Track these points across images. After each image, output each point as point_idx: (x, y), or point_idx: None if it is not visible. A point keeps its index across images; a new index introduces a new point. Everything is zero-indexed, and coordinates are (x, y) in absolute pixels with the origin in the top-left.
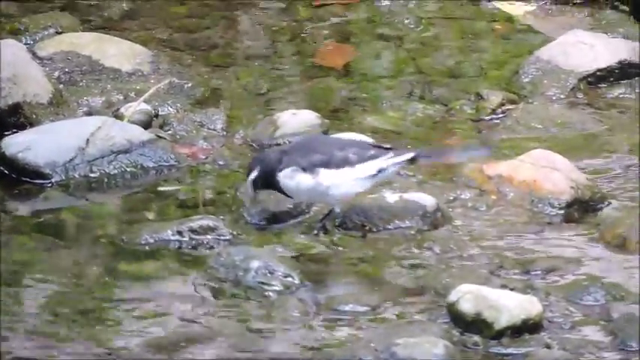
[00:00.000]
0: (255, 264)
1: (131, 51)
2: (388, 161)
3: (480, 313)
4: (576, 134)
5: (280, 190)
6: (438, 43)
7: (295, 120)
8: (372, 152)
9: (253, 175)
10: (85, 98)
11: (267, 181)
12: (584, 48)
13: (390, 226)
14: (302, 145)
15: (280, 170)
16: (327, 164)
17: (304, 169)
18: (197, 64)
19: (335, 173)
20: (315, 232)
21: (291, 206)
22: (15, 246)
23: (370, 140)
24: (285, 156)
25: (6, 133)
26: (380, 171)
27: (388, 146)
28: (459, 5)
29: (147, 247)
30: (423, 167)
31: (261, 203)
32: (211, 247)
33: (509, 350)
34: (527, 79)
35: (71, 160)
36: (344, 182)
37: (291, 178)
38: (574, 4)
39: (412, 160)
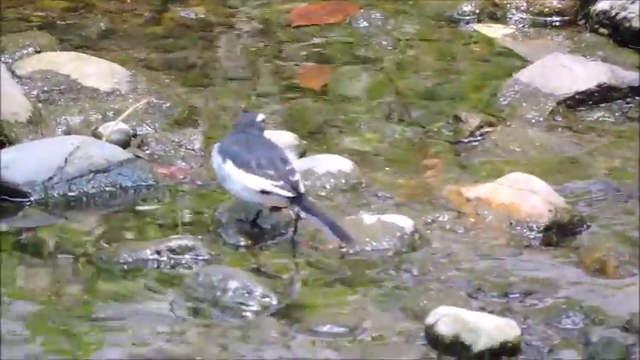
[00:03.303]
0: (233, 284)
1: (109, 70)
2: (272, 187)
3: (458, 335)
4: (555, 157)
5: None
6: (416, 65)
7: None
8: (272, 173)
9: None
10: (63, 117)
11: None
12: (564, 71)
13: (367, 248)
14: (244, 138)
15: (215, 145)
16: (235, 158)
17: (220, 153)
18: (175, 84)
19: (233, 169)
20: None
21: (269, 227)
22: None
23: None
24: (228, 138)
25: None
26: (264, 192)
27: (295, 179)
28: (438, 27)
29: (125, 267)
30: (401, 189)
31: (240, 224)
32: (189, 267)
33: None
34: (505, 102)
35: (50, 178)
36: (236, 182)
37: (213, 155)
38: (553, 26)
39: (292, 200)
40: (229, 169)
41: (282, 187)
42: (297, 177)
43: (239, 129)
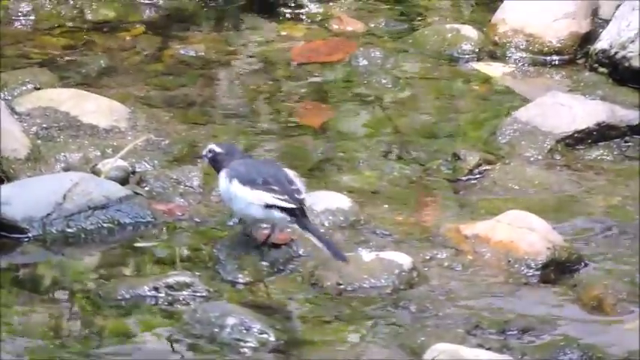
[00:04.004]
0: (230, 320)
1: (109, 107)
2: (274, 200)
3: None
4: (554, 195)
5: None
6: (415, 103)
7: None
8: (277, 188)
9: (215, 147)
10: (62, 154)
11: (216, 164)
12: (563, 109)
13: (365, 285)
14: (250, 161)
15: (224, 167)
16: (241, 177)
17: (227, 177)
18: (174, 121)
19: (239, 188)
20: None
21: (268, 264)
22: None
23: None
24: (234, 160)
25: None
26: (267, 206)
27: (299, 197)
28: (437, 66)
29: (123, 303)
30: (399, 226)
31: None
32: (187, 304)
33: None
34: (504, 140)
35: (48, 215)
36: (241, 200)
37: (219, 180)
38: (552, 65)
39: (292, 214)
40: (235, 188)
41: (285, 201)
42: (302, 196)
43: (236, 156)
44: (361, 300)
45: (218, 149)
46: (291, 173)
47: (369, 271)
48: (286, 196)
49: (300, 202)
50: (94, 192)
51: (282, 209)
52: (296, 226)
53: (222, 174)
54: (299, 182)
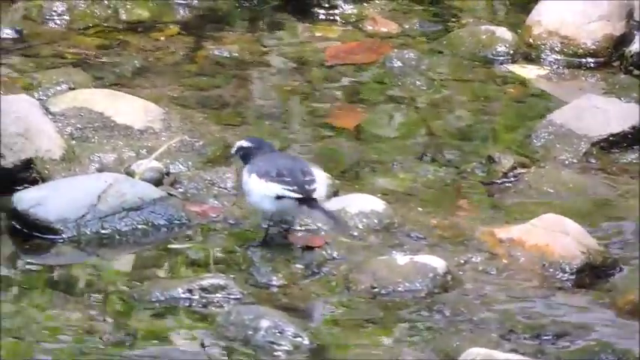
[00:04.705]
0: (264, 323)
1: (143, 108)
2: (283, 191)
3: None
4: (588, 199)
5: None
6: (450, 105)
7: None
8: (289, 180)
9: (244, 142)
10: (96, 155)
11: (245, 159)
12: (597, 113)
13: (400, 288)
14: (269, 155)
15: (249, 163)
16: (258, 171)
17: (248, 171)
18: (208, 122)
19: (255, 181)
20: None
21: (302, 266)
22: (26, 301)
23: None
24: (259, 155)
25: (18, 188)
26: (278, 197)
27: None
28: (472, 68)
29: (157, 305)
30: (433, 229)
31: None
32: (221, 306)
33: None
34: (539, 143)
35: (83, 216)
36: (256, 192)
37: (244, 172)
38: (587, 68)
39: (300, 201)
40: (252, 181)
41: (293, 191)
42: (313, 186)
43: (266, 150)
44: (395, 303)
45: (246, 144)
46: (310, 166)
47: (404, 275)
48: (295, 187)
49: (309, 191)
50: (128, 193)
51: (291, 199)
52: (305, 208)
53: (245, 169)
54: (316, 174)
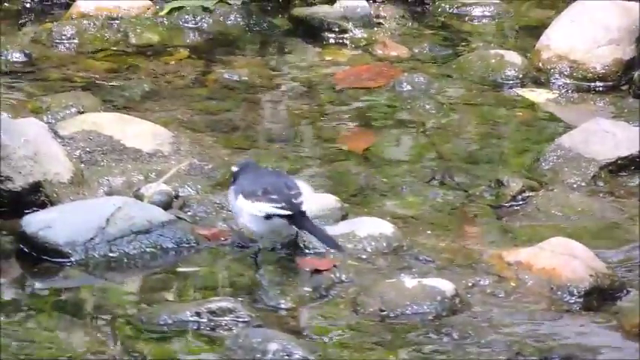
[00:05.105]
0: (273, 346)
1: (152, 132)
2: (273, 209)
3: None
4: (597, 223)
5: None
6: (459, 129)
7: (314, 203)
8: (276, 197)
9: (233, 168)
10: (105, 178)
11: (233, 180)
12: (606, 136)
13: (408, 311)
14: (252, 174)
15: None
16: (244, 192)
17: (234, 192)
18: (218, 145)
19: (243, 202)
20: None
21: (310, 289)
22: (34, 324)
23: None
24: (242, 174)
25: (26, 211)
26: (268, 217)
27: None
28: (481, 92)
29: (165, 328)
30: (442, 252)
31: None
32: (229, 329)
33: None
34: (548, 167)
35: (91, 239)
36: (245, 213)
37: (230, 194)
38: (596, 92)
39: (290, 219)
40: (240, 202)
41: (282, 208)
42: (300, 199)
43: (248, 170)
44: (404, 326)
45: (234, 168)
46: (293, 178)
47: (412, 297)
48: (283, 204)
49: (297, 206)
50: (136, 216)
51: (281, 216)
52: (294, 227)
53: (231, 190)
54: (301, 186)
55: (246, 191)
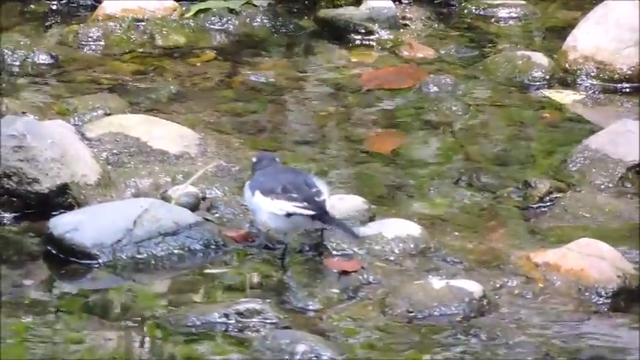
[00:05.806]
0: (301, 348)
1: (179, 133)
2: (295, 208)
3: None
4: (624, 224)
5: None
6: (486, 130)
7: (342, 204)
8: (297, 195)
9: (253, 158)
10: (132, 180)
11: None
12: (633, 137)
13: (436, 313)
14: (270, 170)
15: (249, 178)
16: (262, 188)
17: (250, 188)
18: (245, 147)
19: (261, 199)
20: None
21: (338, 291)
22: (62, 326)
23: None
24: (258, 169)
25: (54, 213)
26: (288, 215)
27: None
28: (508, 93)
29: (193, 329)
30: (469, 254)
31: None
32: (257, 331)
33: None
34: (575, 168)
35: (119, 241)
36: (264, 211)
37: (244, 192)
38: (623, 93)
39: (314, 217)
40: (257, 199)
41: (304, 208)
42: (322, 197)
43: (263, 165)
44: (431, 328)
45: (253, 159)
46: (311, 176)
47: (440, 299)
48: (305, 203)
49: (321, 205)
50: (164, 218)
51: (303, 216)
52: (318, 223)
53: (246, 185)
54: (320, 184)
55: (264, 188)
